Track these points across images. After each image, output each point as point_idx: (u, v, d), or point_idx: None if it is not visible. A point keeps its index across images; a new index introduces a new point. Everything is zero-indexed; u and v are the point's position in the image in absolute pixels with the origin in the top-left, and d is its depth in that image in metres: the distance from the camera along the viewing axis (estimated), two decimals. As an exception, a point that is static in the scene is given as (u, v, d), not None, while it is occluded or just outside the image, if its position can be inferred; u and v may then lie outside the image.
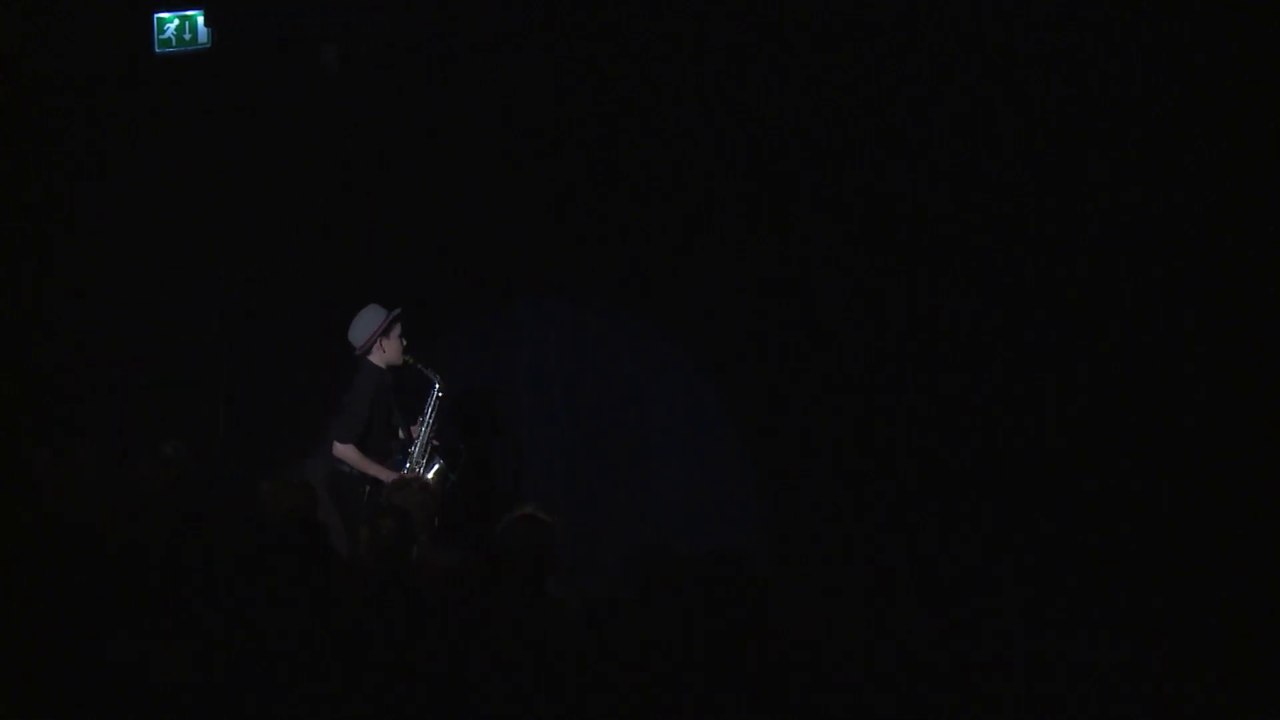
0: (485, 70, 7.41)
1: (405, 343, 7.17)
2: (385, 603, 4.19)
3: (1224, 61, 6.08)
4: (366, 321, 7.11)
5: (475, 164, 7.58)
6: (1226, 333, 6.16)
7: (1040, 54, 6.48)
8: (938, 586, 6.25)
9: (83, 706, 3.66)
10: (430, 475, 7.21)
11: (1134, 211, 6.36)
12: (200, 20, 7.34)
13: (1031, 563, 6.24)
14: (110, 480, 5.32)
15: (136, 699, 3.66)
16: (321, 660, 3.73)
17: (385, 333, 7.11)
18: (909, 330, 6.92)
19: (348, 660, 3.74)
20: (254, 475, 5.53)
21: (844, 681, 3.77)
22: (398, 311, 7.13)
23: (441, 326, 8.03)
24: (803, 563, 7.05)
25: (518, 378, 8.05)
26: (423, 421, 7.27)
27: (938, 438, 6.78)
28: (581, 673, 3.70)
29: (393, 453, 7.19)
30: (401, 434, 7.25)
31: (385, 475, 6.92)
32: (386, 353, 7.12)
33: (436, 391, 7.27)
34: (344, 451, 6.99)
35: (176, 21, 7.35)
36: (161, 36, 7.38)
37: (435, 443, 7.30)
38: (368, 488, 6.98)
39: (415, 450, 7.24)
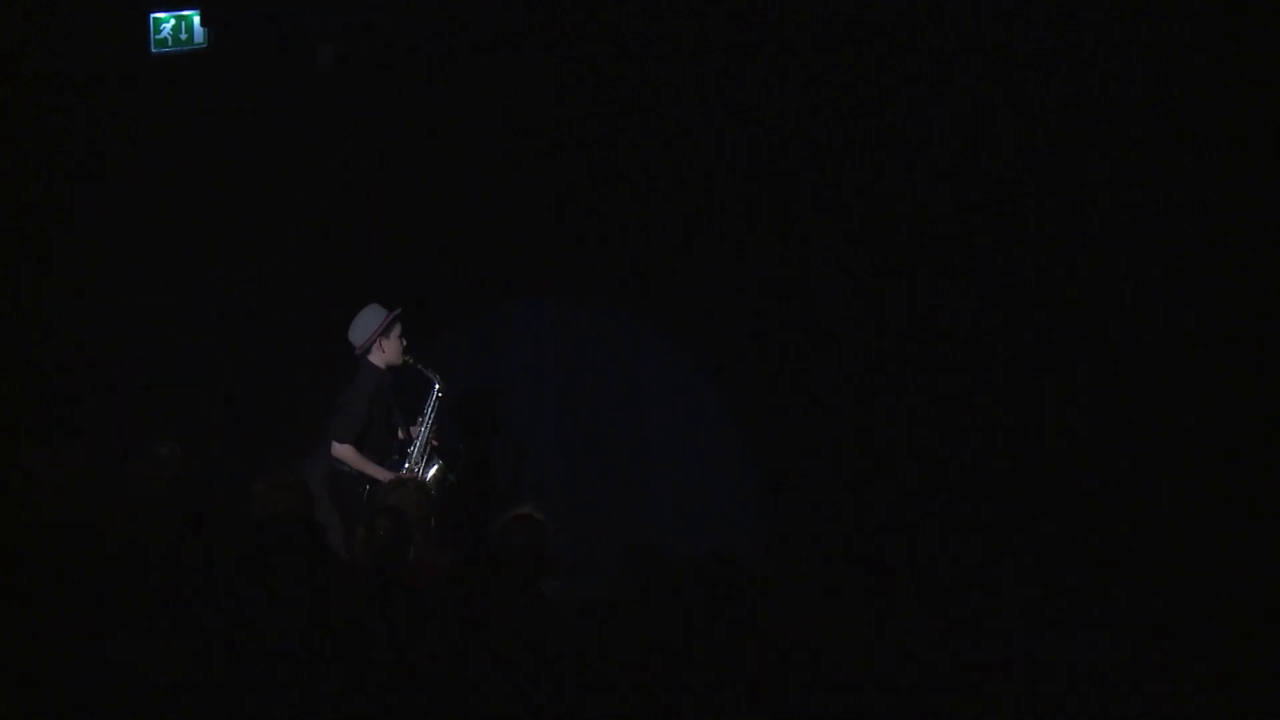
0: (485, 70, 7.41)
1: (405, 343, 7.17)
2: (381, 603, 4.19)
3: (1224, 61, 6.08)
4: (366, 321, 7.11)
5: (475, 164, 7.58)
6: (1226, 333, 6.16)
7: (1040, 54, 6.48)
8: (938, 586, 6.25)
9: (80, 707, 3.66)
10: (429, 476, 7.20)
11: (1134, 211, 6.37)
12: (196, 20, 7.33)
13: (1031, 563, 6.24)
14: (104, 480, 5.31)
15: (133, 699, 3.66)
16: (317, 661, 3.73)
17: (385, 333, 7.10)
18: (909, 330, 6.93)
19: (343, 661, 3.74)
20: (254, 475, 5.52)
21: (843, 682, 3.76)
22: (398, 312, 7.12)
23: (441, 326, 8.03)
24: (802, 563, 7.05)
25: (517, 378, 8.05)
26: (422, 422, 7.26)
27: (938, 438, 6.78)
28: (576, 673, 3.70)
29: (392, 453, 7.19)
30: (401, 434, 7.24)
31: (383, 475, 6.92)
32: (386, 353, 7.11)
33: (436, 392, 7.26)
34: (342, 451, 6.98)
35: (173, 22, 7.34)
36: (157, 36, 7.37)
37: (434, 443, 7.29)
38: (367, 487, 6.97)
39: (414, 451, 7.23)
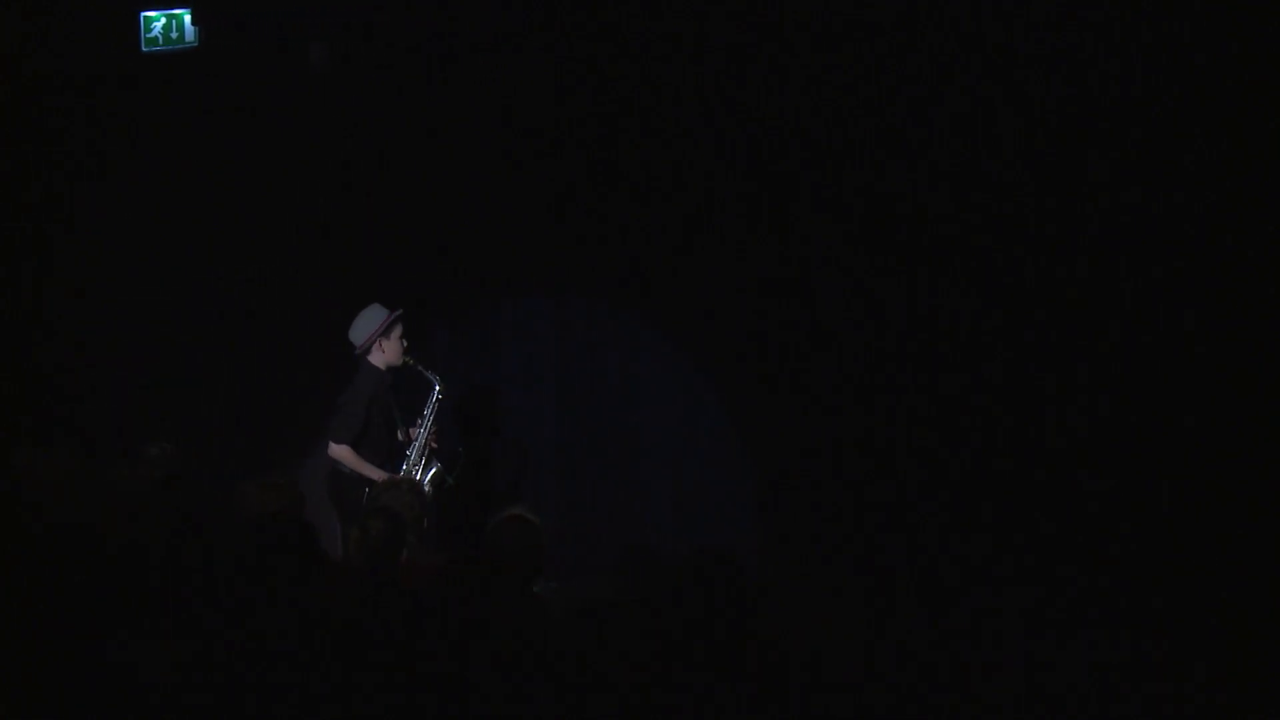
0: (485, 70, 7.41)
1: (406, 344, 7.16)
2: (374, 604, 4.18)
3: (1224, 61, 6.08)
4: (367, 321, 7.10)
5: (475, 164, 7.58)
6: (1226, 333, 6.16)
7: (1040, 54, 6.48)
8: (937, 587, 6.25)
9: (74, 707, 3.66)
10: (427, 478, 7.19)
11: (1134, 211, 6.37)
12: (187, 19, 7.32)
13: (1031, 563, 6.24)
14: (96, 480, 5.29)
15: (126, 700, 3.65)
16: (307, 662, 3.72)
17: (385, 333, 7.09)
18: (909, 330, 6.92)
19: (335, 662, 3.73)
20: (254, 475, 5.51)
21: (841, 682, 3.76)
22: (399, 312, 7.11)
23: (441, 327, 8.03)
24: (801, 563, 7.05)
25: (516, 378, 8.04)
26: (422, 423, 7.25)
27: (938, 438, 6.78)
28: (570, 674, 3.69)
29: (393, 454, 7.18)
30: (400, 436, 7.23)
31: (379, 477, 6.91)
32: (386, 353, 7.10)
33: (436, 393, 7.25)
34: (340, 452, 6.97)
35: (163, 20, 7.33)
36: (148, 35, 7.36)
37: (434, 445, 7.28)
38: (367, 489, 6.97)
39: (412, 452, 7.22)
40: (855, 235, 7.02)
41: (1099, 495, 6.33)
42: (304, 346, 7.72)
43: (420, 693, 3.67)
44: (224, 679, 3.66)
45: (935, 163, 6.79)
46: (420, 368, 7.20)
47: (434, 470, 7.23)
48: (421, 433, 7.23)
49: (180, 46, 7.33)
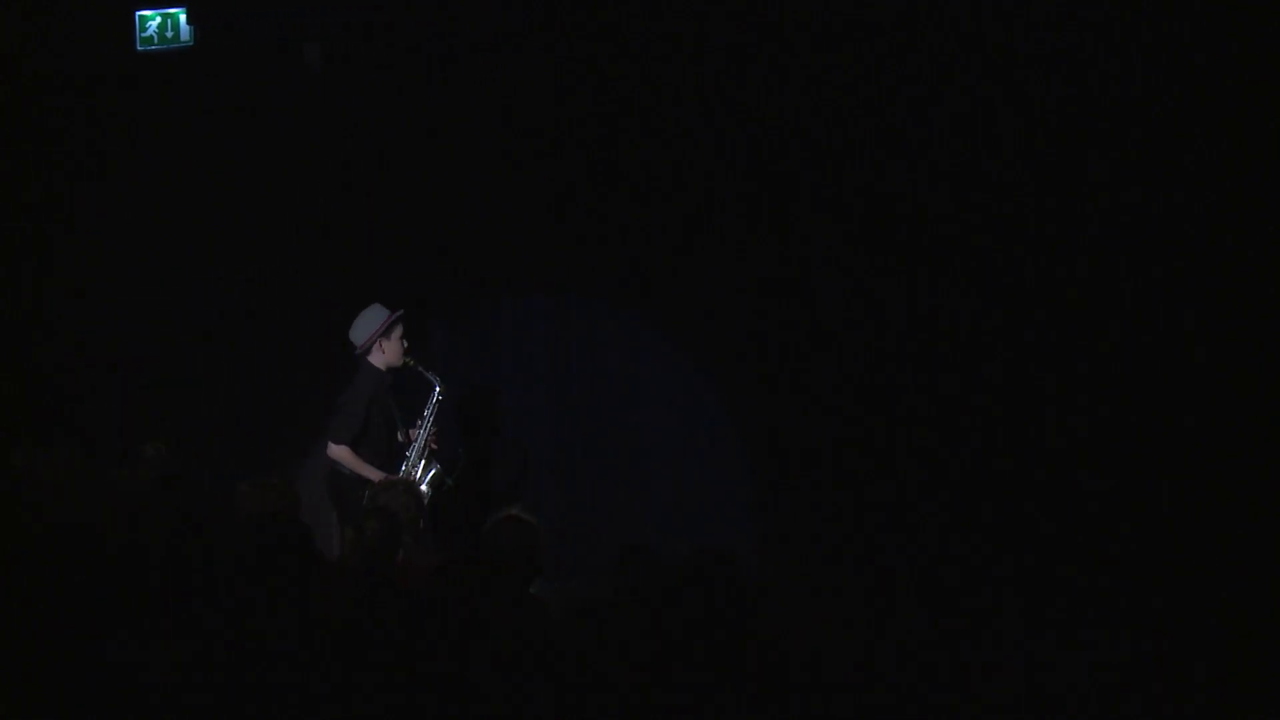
0: (485, 70, 7.41)
1: (406, 344, 7.15)
2: (369, 604, 4.17)
3: (1224, 61, 6.08)
4: (367, 322, 7.09)
5: (475, 164, 7.58)
6: (1226, 333, 6.16)
7: (1040, 54, 6.48)
8: (937, 587, 6.25)
9: (70, 706, 3.65)
10: (426, 479, 7.18)
11: (1134, 211, 6.36)
12: (182, 18, 7.32)
13: (1031, 563, 6.24)
14: (90, 481, 5.29)
15: (118, 700, 3.65)
16: (302, 662, 3.72)
17: (386, 334, 7.07)
18: (909, 330, 6.92)
19: (329, 662, 3.72)
20: (252, 476, 5.51)
21: (840, 682, 3.76)
22: (399, 313, 7.10)
23: (441, 327, 8.03)
24: (801, 563, 7.05)
25: (516, 378, 8.04)
26: (421, 424, 7.23)
27: (938, 438, 6.78)
28: (566, 675, 3.68)
29: (393, 455, 7.16)
30: (400, 437, 7.22)
31: (378, 477, 6.90)
32: (386, 354, 7.08)
33: (437, 394, 7.24)
34: (338, 452, 6.96)
35: (158, 19, 7.33)
36: (143, 34, 7.36)
37: (433, 446, 7.27)
38: (366, 490, 6.96)
39: (411, 454, 7.20)
40: (855, 235, 7.02)
41: (1099, 495, 6.33)
42: (304, 346, 7.72)
43: (416, 693, 3.67)
44: (218, 679, 3.65)
45: (935, 163, 6.79)
46: (420, 368, 7.19)
47: (433, 471, 7.22)
48: (421, 434, 7.21)
49: (175, 46, 7.33)
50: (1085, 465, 6.41)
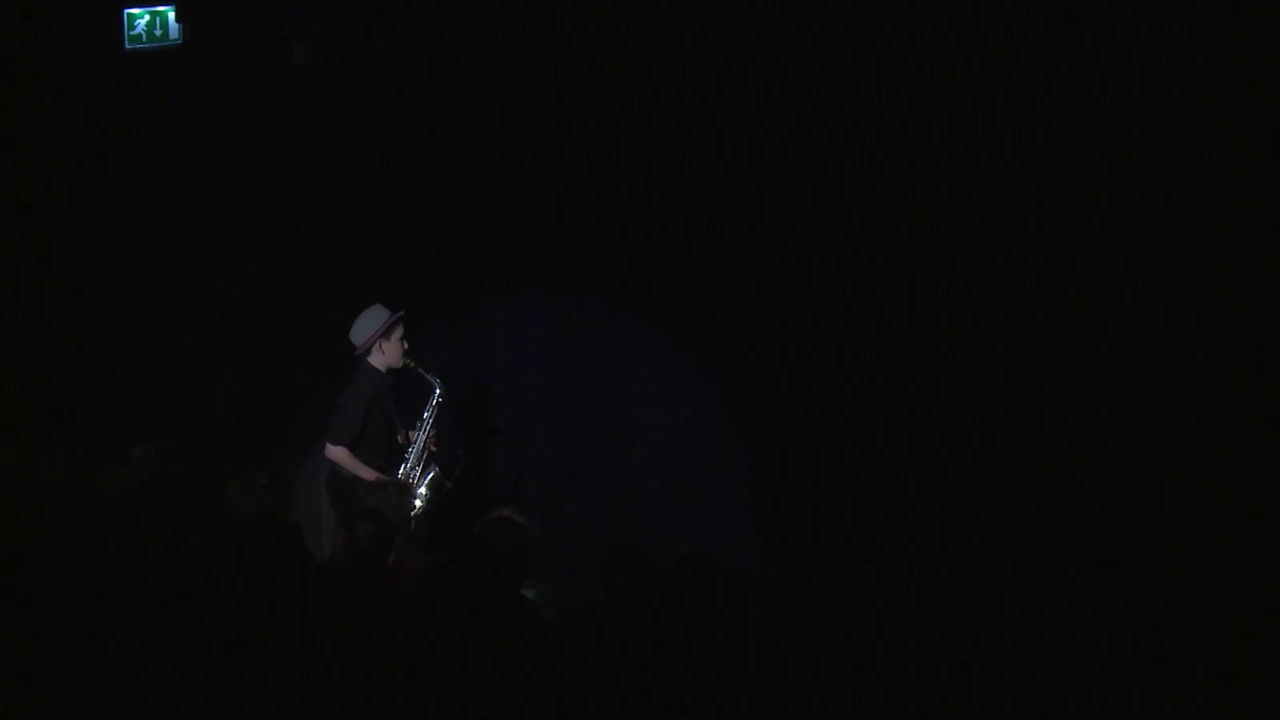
0: (485, 70, 7.41)
1: (407, 345, 7.14)
2: (361, 606, 4.17)
3: (1224, 61, 6.08)
4: (367, 322, 7.09)
5: (475, 164, 7.58)
6: (1226, 333, 6.15)
7: (1040, 54, 6.47)
8: (937, 587, 6.25)
9: (60, 706, 3.65)
10: (425, 482, 7.18)
11: (1134, 211, 6.36)
12: (171, 16, 7.32)
13: (1031, 563, 6.24)
14: (78, 481, 5.28)
15: (105, 700, 3.65)
16: (293, 663, 3.71)
17: (386, 335, 7.07)
18: (909, 330, 6.92)
19: (321, 664, 3.72)
20: (238, 475, 5.50)
21: (841, 682, 3.76)
22: (399, 314, 7.10)
23: (441, 327, 8.03)
24: (801, 563, 7.05)
25: (516, 378, 8.04)
26: (421, 426, 7.22)
27: (938, 438, 6.78)
28: (557, 675, 3.68)
29: (393, 457, 7.16)
30: (400, 438, 7.21)
31: (375, 479, 6.90)
32: (386, 355, 7.08)
33: (437, 396, 7.23)
34: (336, 453, 6.95)
35: (147, 17, 7.33)
36: (132, 33, 7.36)
37: (433, 448, 7.26)
38: (359, 491, 6.95)
39: (410, 456, 7.19)
40: (855, 235, 7.01)
41: (1099, 495, 6.32)
42: (304, 346, 7.72)
43: (408, 695, 3.66)
44: (207, 681, 3.65)
45: (935, 163, 6.79)
46: (421, 370, 7.19)
47: (432, 474, 7.21)
48: (420, 436, 7.21)
49: (164, 44, 7.33)
50: (1085, 465, 6.40)
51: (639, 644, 3.74)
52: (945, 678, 3.89)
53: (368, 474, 6.88)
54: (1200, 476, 6.12)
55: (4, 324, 7.64)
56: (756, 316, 7.30)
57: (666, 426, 7.77)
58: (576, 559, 7.20)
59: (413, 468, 7.17)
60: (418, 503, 7.14)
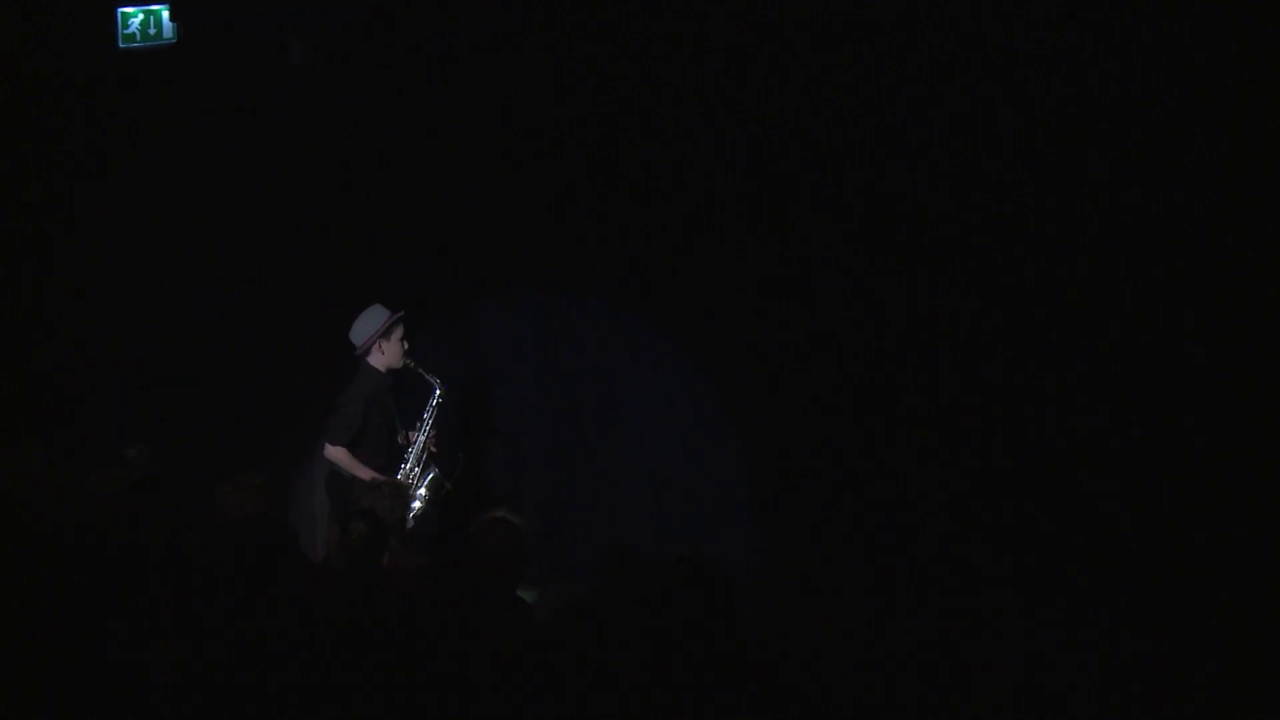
0: (485, 70, 7.40)
1: (407, 345, 7.13)
2: (355, 607, 4.16)
3: (1224, 61, 6.08)
4: (367, 322, 7.07)
5: (475, 164, 7.58)
6: (1226, 333, 6.15)
7: (1040, 54, 6.47)
8: (937, 587, 6.25)
9: (47, 706, 3.65)
10: (425, 483, 7.17)
11: (1134, 211, 6.36)
12: (165, 15, 7.30)
13: (1031, 563, 6.24)
14: (72, 481, 5.27)
15: (91, 700, 3.64)
16: (284, 664, 3.70)
17: (385, 335, 7.05)
18: (909, 330, 6.92)
19: (314, 665, 3.71)
20: (229, 475, 5.49)
21: (841, 682, 3.76)
22: (399, 314, 7.08)
23: (440, 327, 8.02)
24: (800, 563, 7.05)
25: (516, 379, 8.04)
26: (421, 426, 7.21)
27: (938, 438, 6.78)
28: (551, 676, 3.67)
29: (394, 457, 7.15)
30: (400, 439, 7.20)
31: (372, 478, 6.89)
32: (386, 355, 7.06)
33: (437, 396, 7.22)
34: (335, 454, 6.93)
35: (141, 16, 7.31)
36: (125, 32, 7.35)
37: (433, 449, 7.24)
38: (353, 492, 6.94)
39: (410, 456, 7.18)
40: (855, 235, 7.01)
41: (1099, 495, 6.33)
42: (304, 347, 7.72)
43: (400, 696, 3.65)
44: (196, 680, 3.64)
45: (935, 163, 6.79)
46: (421, 370, 7.17)
47: (432, 475, 7.20)
48: (420, 436, 7.19)
49: (158, 43, 7.32)
50: (1085, 465, 6.40)
51: (632, 645, 3.74)
52: (945, 678, 3.88)
53: (366, 474, 6.87)
54: (1200, 476, 6.12)
55: (3, 324, 7.64)
56: (756, 316, 7.30)
57: (666, 427, 7.77)
58: (576, 560, 7.19)
59: (413, 468, 7.16)
60: (417, 503, 7.13)
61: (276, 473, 7.54)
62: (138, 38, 7.32)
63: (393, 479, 6.93)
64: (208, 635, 3.76)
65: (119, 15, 7.34)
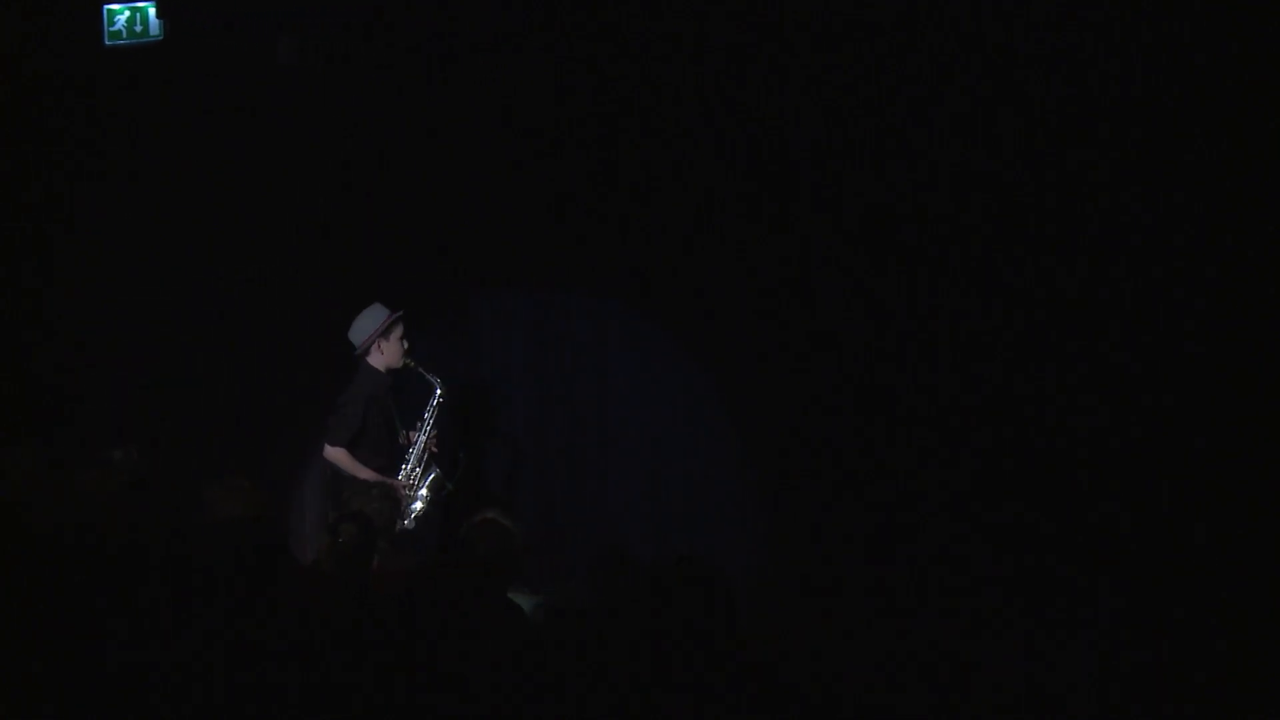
0: (485, 70, 7.40)
1: (407, 345, 7.12)
2: (345, 609, 4.15)
3: (1224, 61, 6.08)
4: (366, 322, 7.07)
5: (475, 164, 7.57)
6: (1226, 333, 6.15)
7: (1040, 54, 6.47)
8: (937, 587, 6.25)
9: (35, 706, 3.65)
10: (426, 483, 7.16)
11: (1134, 211, 6.36)
12: (152, 12, 7.28)
13: (1031, 563, 6.24)
14: (59, 483, 5.25)
15: (80, 701, 3.64)
16: (274, 668, 3.69)
17: (385, 334, 7.04)
18: (909, 330, 6.92)
19: (302, 668, 3.70)
20: (251, 477, 5.49)
21: (840, 683, 3.76)
22: (399, 313, 7.08)
23: (441, 327, 8.02)
24: (800, 563, 7.05)
25: (516, 379, 8.03)
26: (421, 426, 7.20)
27: (938, 438, 6.78)
28: (543, 680, 3.66)
29: (395, 458, 7.14)
30: (401, 439, 7.19)
31: (373, 479, 6.88)
32: (385, 355, 7.05)
33: (437, 396, 7.21)
34: (334, 454, 6.92)
35: (127, 13, 7.30)
36: (112, 29, 7.33)
37: (434, 450, 7.23)
38: (343, 494, 6.93)
39: (410, 457, 7.17)
40: (855, 235, 7.02)
41: (1099, 495, 6.33)
42: (303, 346, 7.72)
43: (391, 699, 3.65)
44: (186, 681, 3.63)
45: (935, 163, 6.79)
46: (421, 370, 7.16)
47: (433, 475, 7.19)
48: (421, 436, 7.18)
49: (144, 40, 7.30)
50: (1085, 465, 6.41)
51: (631, 646, 3.73)
52: (945, 678, 3.89)
53: (366, 474, 6.86)
54: (1200, 476, 6.12)
55: (3, 324, 7.63)
56: (756, 316, 7.30)
57: (666, 427, 7.77)
58: (576, 560, 7.19)
59: (414, 468, 7.15)
60: (419, 504, 7.13)
61: (276, 473, 7.55)
62: (124, 35, 7.30)
63: (385, 480, 6.92)
64: (197, 637, 3.75)
65: (105, 12, 7.32)
